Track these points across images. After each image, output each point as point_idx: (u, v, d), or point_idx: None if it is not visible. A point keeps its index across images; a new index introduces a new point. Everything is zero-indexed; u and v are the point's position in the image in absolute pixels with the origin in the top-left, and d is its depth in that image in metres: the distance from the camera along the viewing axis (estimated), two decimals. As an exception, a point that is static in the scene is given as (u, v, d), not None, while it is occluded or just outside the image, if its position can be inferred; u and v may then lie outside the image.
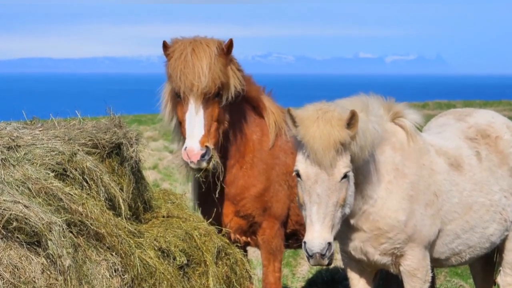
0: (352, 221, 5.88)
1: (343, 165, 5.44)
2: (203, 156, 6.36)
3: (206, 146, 6.39)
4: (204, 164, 6.37)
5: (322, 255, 5.37)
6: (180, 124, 6.62)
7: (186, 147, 6.41)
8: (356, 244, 5.97)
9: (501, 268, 6.90)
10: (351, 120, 5.43)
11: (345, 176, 5.46)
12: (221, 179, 6.66)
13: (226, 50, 6.62)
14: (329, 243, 5.38)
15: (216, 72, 6.49)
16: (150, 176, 17.94)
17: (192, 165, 6.37)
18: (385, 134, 5.92)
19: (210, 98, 6.51)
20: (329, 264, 5.48)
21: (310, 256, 5.40)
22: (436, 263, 6.39)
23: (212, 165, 6.48)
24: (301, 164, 5.50)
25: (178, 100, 6.59)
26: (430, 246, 6.11)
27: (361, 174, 5.72)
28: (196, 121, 6.44)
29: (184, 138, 6.60)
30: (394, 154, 5.93)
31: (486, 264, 7.30)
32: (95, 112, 5.65)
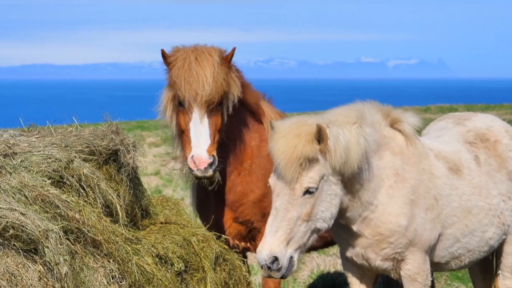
0: (354, 228, 5.87)
1: (307, 180, 5.41)
2: (210, 165, 6.36)
3: (213, 156, 6.40)
4: (210, 172, 6.38)
5: (269, 267, 5.37)
6: (183, 133, 6.62)
7: (193, 155, 6.40)
8: (358, 250, 5.96)
9: (500, 272, 6.90)
10: (319, 136, 5.43)
11: (308, 191, 5.43)
12: (214, 187, 6.66)
13: (226, 59, 6.64)
14: (276, 257, 5.35)
15: (219, 81, 6.50)
16: (152, 182, 17.97)
17: (199, 172, 6.36)
18: (384, 139, 5.92)
19: (214, 107, 6.52)
20: (283, 277, 5.44)
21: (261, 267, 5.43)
22: (436, 267, 6.38)
23: (217, 175, 6.50)
24: (272, 176, 5.55)
25: (180, 108, 6.59)
26: (430, 250, 6.11)
27: (358, 182, 5.70)
28: (201, 130, 6.44)
29: (185, 146, 6.60)
30: (394, 159, 5.92)
31: (485, 267, 7.30)
32: (97, 118, 5.67)
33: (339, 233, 6.07)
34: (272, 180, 5.54)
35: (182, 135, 6.67)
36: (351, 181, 5.66)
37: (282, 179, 5.44)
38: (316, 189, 5.45)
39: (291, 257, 5.44)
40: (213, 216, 6.76)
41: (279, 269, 5.38)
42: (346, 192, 5.69)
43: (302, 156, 5.36)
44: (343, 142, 5.49)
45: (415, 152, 6.02)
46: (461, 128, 6.76)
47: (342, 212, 5.78)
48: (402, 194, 5.86)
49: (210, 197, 6.88)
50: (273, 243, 5.36)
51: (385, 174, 5.85)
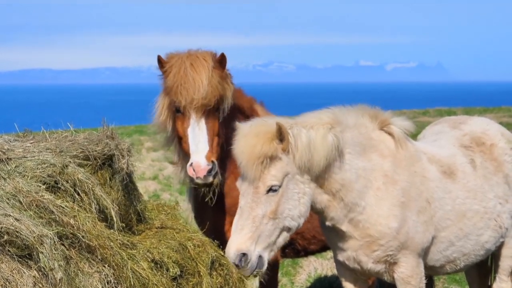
0: (343, 228, 5.88)
1: (269, 178, 5.46)
2: (209, 171, 6.36)
3: (212, 161, 6.40)
4: (210, 179, 6.39)
5: (237, 265, 5.46)
6: (181, 139, 6.62)
7: (192, 163, 6.40)
8: (349, 254, 5.97)
9: (496, 275, 6.91)
10: (280, 134, 5.47)
11: (272, 189, 5.48)
12: (214, 191, 6.66)
13: (220, 63, 6.64)
14: (244, 254, 5.42)
15: (215, 85, 6.52)
16: (150, 186, 17.97)
17: (199, 181, 6.37)
18: (371, 141, 5.93)
19: (211, 112, 6.53)
20: (255, 275, 5.56)
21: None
22: (431, 271, 6.39)
23: (218, 180, 6.49)
24: (239, 178, 5.62)
25: (178, 115, 6.59)
26: (425, 254, 6.11)
27: (337, 182, 5.71)
28: (200, 136, 6.45)
29: (185, 153, 6.59)
30: (382, 161, 5.92)
31: (482, 270, 7.30)
32: (96, 123, 5.69)
33: (331, 237, 6.08)
34: (239, 182, 5.62)
35: (180, 142, 6.68)
36: (327, 180, 5.67)
37: (246, 179, 5.50)
38: (280, 186, 5.50)
39: (260, 256, 5.50)
40: (210, 221, 6.76)
41: (247, 264, 5.44)
42: (323, 192, 5.71)
43: (262, 155, 5.42)
44: (305, 140, 5.53)
45: (406, 155, 6.03)
46: (457, 132, 6.77)
47: (323, 212, 5.79)
48: (392, 196, 5.87)
49: (207, 201, 6.87)
50: (239, 240, 5.43)
51: (372, 176, 5.85)
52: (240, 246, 5.43)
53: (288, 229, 5.62)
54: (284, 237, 5.65)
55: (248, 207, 5.48)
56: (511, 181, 6.63)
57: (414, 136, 6.65)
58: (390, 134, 6.05)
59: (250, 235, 5.44)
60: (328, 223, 5.87)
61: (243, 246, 5.42)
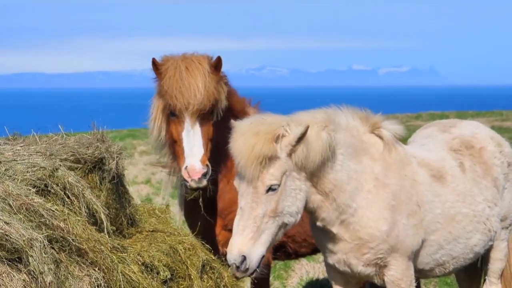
0: (334, 230, 5.88)
1: (269, 177, 5.44)
2: (204, 175, 6.36)
3: (207, 165, 6.40)
4: (204, 182, 6.38)
5: (237, 267, 5.44)
6: (175, 143, 6.61)
7: (186, 166, 6.39)
8: (340, 256, 5.97)
9: (486, 277, 6.93)
10: (301, 138, 5.45)
11: (271, 188, 5.47)
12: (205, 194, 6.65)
13: (215, 67, 6.63)
14: (244, 256, 5.42)
15: (210, 89, 6.51)
16: (142, 190, 17.97)
17: (193, 183, 6.35)
18: (362, 144, 5.94)
19: (205, 116, 6.53)
20: (251, 275, 5.52)
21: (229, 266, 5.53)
22: (421, 274, 6.40)
23: (209, 184, 6.49)
24: (236, 177, 5.60)
25: (172, 118, 6.58)
26: (415, 257, 6.12)
27: (330, 182, 5.72)
28: (195, 140, 6.44)
29: (178, 156, 6.58)
30: (372, 164, 5.93)
31: (472, 273, 7.31)
32: (89, 127, 5.71)
33: (321, 240, 6.08)
34: (236, 181, 5.58)
35: (174, 145, 6.67)
36: (321, 179, 5.67)
37: (244, 179, 5.47)
38: (279, 185, 5.49)
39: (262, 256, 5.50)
40: (201, 224, 6.75)
41: (246, 270, 5.44)
42: (317, 191, 5.71)
43: (261, 155, 5.39)
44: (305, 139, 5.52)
45: (396, 159, 6.04)
46: (446, 135, 6.78)
47: (315, 212, 5.79)
48: (382, 199, 5.88)
49: (199, 205, 6.87)
50: (241, 242, 5.42)
51: (363, 178, 5.86)
52: (242, 248, 5.42)
53: (286, 226, 5.63)
54: (281, 233, 5.66)
55: (248, 207, 5.46)
56: (499, 184, 6.65)
57: (404, 139, 6.66)
58: (380, 137, 6.05)
59: (251, 235, 5.44)
60: (319, 224, 5.88)
61: (244, 249, 5.42)
